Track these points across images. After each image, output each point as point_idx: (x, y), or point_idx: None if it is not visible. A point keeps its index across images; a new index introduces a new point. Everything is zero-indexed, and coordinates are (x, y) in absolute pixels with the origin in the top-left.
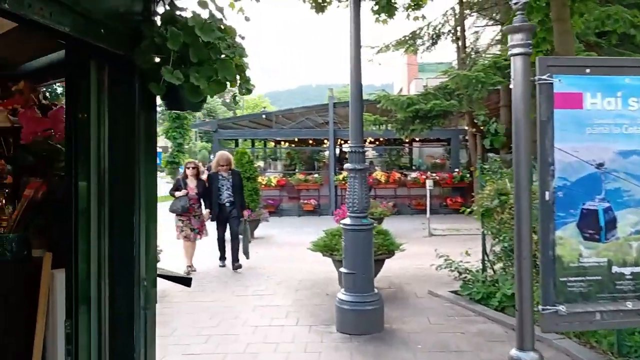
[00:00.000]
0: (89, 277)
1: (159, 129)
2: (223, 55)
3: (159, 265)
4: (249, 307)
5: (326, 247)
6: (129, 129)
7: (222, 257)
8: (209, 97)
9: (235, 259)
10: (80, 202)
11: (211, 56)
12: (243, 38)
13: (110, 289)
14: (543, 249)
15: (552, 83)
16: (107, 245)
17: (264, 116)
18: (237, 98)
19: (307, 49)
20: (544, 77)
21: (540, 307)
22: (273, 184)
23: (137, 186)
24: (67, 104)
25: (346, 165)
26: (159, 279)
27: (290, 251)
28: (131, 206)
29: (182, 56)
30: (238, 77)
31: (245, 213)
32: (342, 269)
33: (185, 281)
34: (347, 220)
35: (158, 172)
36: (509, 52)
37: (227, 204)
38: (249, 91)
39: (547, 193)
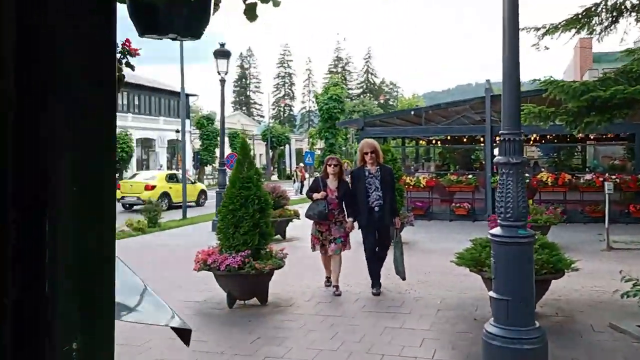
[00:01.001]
0: None
1: (313, 130)
2: None
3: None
4: (378, 329)
5: (473, 260)
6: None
7: (376, 283)
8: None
9: (376, 277)
10: None
11: None
12: None
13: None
14: None
15: None
16: None
17: (412, 112)
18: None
19: (466, 47)
20: None
21: None
22: (422, 185)
23: (53, 179)
24: None
25: (496, 159)
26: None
27: (436, 261)
28: (40, 214)
29: None
30: None
31: (397, 221)
32: (492, 293)
33: (182, 333)
34: (497, 231)
35: (314, 173)
36: None
37: (377, 208)
38: None
39: None
